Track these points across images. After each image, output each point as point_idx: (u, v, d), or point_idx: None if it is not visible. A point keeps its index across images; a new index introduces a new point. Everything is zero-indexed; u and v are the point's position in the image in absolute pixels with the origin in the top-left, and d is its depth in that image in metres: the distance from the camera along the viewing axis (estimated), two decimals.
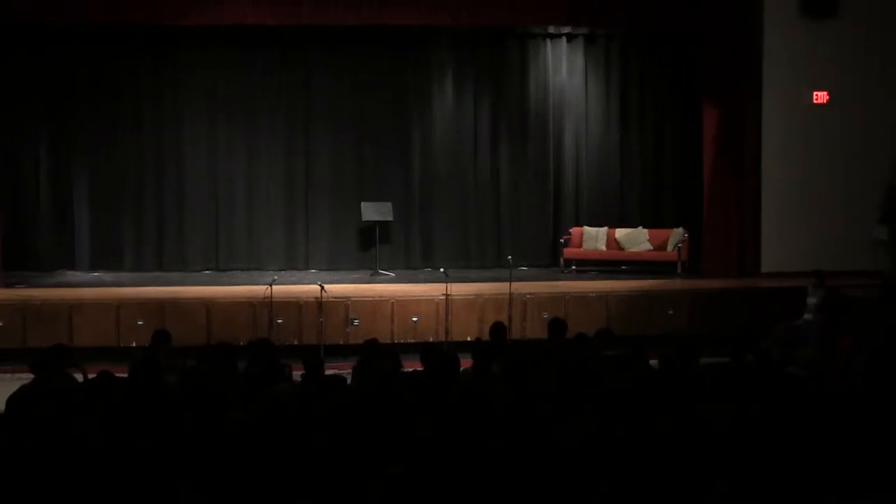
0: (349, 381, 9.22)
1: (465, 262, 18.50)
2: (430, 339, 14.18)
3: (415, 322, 14.49)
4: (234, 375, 9.19)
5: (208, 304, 14.48)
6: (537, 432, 6.46)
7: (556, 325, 10.97)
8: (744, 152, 16.84)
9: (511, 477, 5.90)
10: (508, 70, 18.73)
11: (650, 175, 18.98)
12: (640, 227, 17.98)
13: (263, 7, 16.07)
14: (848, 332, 12.55)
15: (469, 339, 13.74)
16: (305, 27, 17.08)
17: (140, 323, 14.04)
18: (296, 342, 14.15)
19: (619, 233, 17.90)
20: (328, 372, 9.33)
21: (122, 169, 17.99)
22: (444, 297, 14.49)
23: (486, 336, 11.78)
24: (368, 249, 18.04)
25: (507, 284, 14.64)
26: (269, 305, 14.08)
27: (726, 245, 16.95)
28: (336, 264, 18.24)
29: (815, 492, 5.91)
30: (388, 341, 13.81)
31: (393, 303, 14.68)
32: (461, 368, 9.00)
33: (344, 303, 14.57)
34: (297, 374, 9.43)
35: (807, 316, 13.65)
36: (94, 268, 17.84)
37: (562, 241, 17.99)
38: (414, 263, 18.46)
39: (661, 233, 17.78)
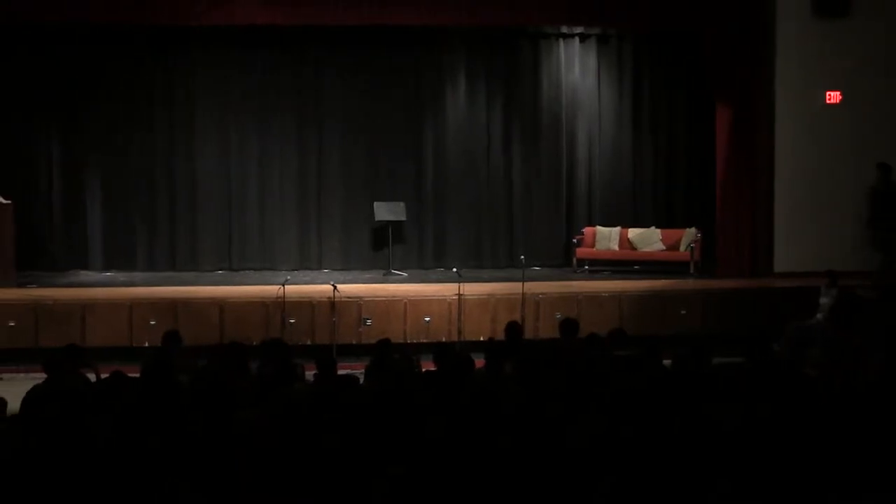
0: (362, 380, 9.22)
1: (478, 262, 18.48)
2: (443, 339, 14.16)
3: (427, 322, 14.47)
4: (246, 375, 9.19)
5: (221, 304, 14.47)
6: (546, 432, 6.44)
7: (568, 326, 10.94)
8: (756, 152, 16.78)
9: (517, 475, 5.89)
10: (521, 70, 18.70)
11: (663, 175, 18.95)
12: (653, 227, 17.94)
13: (274, 7, 16.04)
14: (859, 333, 12.51)
15: (482, 338, 13.72)
16: (317, 27, 17.09)
17: (153, 323, 14.03)
18: (308, 342, 14.14)
19: (632, 233, 17.86)
20: (341, 372, 9.32)
21: (135, 169, 18.02)
22: (456, 297, 14.47)
23: (498, 336, 11.76)
24: (381, 249, 18.03)
25: (519, 284, 14.62)
26: (282, 305, 14.08)
27: (739, 245, 16.89)
28: (349, 264, 18.24)
29: (817, 491, 5.88)
30: (401, 341, 13.77)
31: (406, 303, 14.66)
32: (475, 368, 8.98)
33: (357, 302, 14.55)
34: (309, 374, 9.44)
35: (819, 316, 13.59)
36: (106, 268, 17.87)
37: (574, 240, 17.96)
38: (426, 263, 18.45)
39: (673, 233, 17.73)
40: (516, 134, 18.73)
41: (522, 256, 15.96)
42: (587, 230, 18.10)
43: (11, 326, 14.07)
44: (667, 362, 9.21)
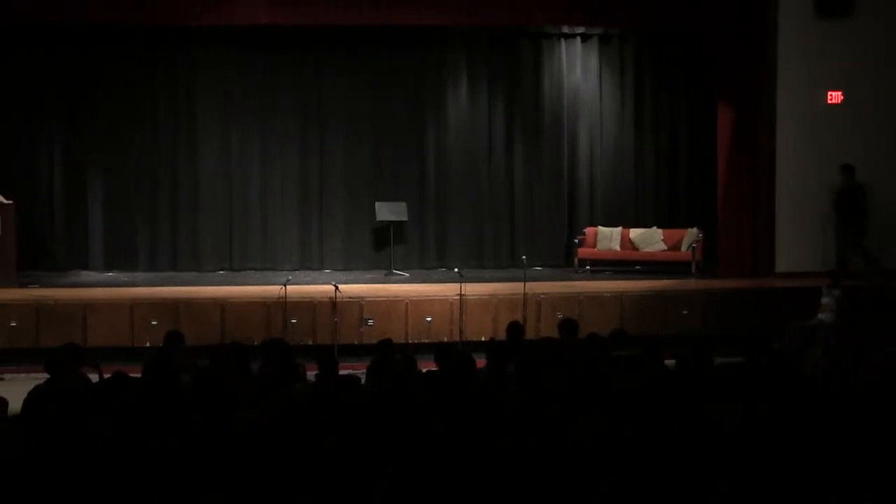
0: (363, 381, 9.22)
1: (480, 262, 18.49)
2: (445, 340, 14.15)
3: (429, 322, 14.47)
4: (247, 375, 9.20)
5: (222, 305, 14.47)
6: (547, 431, 6.45)
7: (568, 326, 10.95)
8: (758, 152, 16.77)
9: (516, 475, 5.90)
10: (522, 70, 18.71)
11: (664, 175, 18.95)
12: (655, 228, 17.94)
13: (275, 7, 16.03)
14: (860, 333, 12.53)
15: (483, 339, 13.73)
16: (319, 27, 17.08)
17: (154, 323, 14.02)
18: (310, 342, 14.14)
19: (634, 233, 17.86)
20: (342, 372, 9.33)
21: (137, 169, 18.03)
22: (458, 297, 14.46)
23: (500, 336, 11.75)
24: (383, 249, 18.04)
25: (521, 284, 14.61)
26: (284, 305, 14.08)
27: (740, 245, 16.88)
28: (350, 264, 18.25)
29: (817, 491, 5.88)
30: (403, 341, 13.77)
31: (407, 303, 14.66)
32: (476, 368, 8.98)
33: (358, 303, 14.55)
34: (311, 375, 9.45)
35: (820, 316, 13.59)
36: (108, 268, 17.87)
37: (576, 241, 17.96)
38: (428, 263, 18.45)
39: (675, 233, 17.73)
40: (518, 134, 18.74)
41: (524, 256, 15.95)
42: (589, 230, 18.10)
43: (13, 326, 14.06)
44: (669, 362, 9.21)
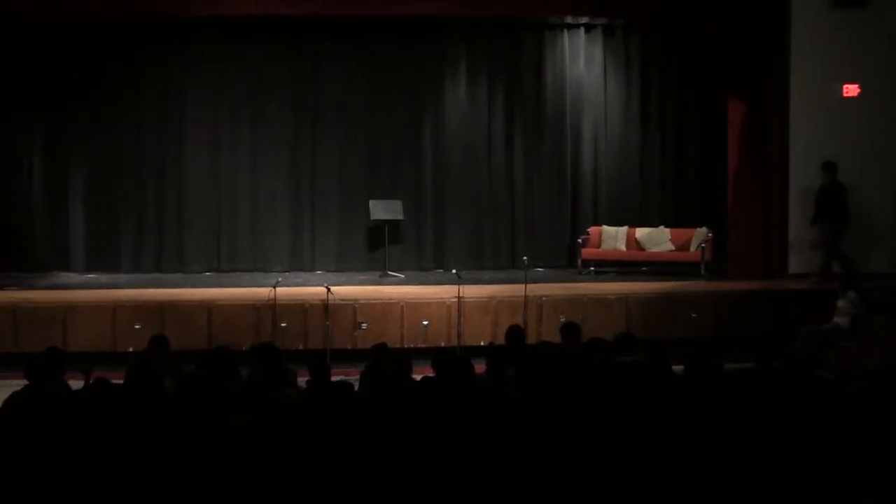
0: (357, 387, 9.21)
1: (479, 263, 18.49)
2: (442, 344, 14.14)
3: (426, 326, 14.46)
4: (236, 381, 9.19)
5: (209, 307, 14.45)
6: (547, 439, 6.46)
7: (570, 330, 10.96)
8: (770, 148, 16.74)
9: (516, 476, 5.92)
10: (523, 63, 18.72)
11: (672, 172, 18.96)
12: (662, 227, 17.94)
13: None
14: (874, 336, 12.54)
15: (482, 343, 13.74)
16: (312, 18, 17.07)
17: (137, 327, 14.00)
18: (301, 347, 14.12)
19: (640, 232, 17.86)
20: (335, 378, 9.32)
21: (120, 166, 18.01)
22: (456, 300, 14.45)
23: (500, 340, 11.74)
24: (377, 250, 18.04)
25: (522, 286, 14.59)
26: (273, 308, 14.08)
27: (752, 245, 16.84)
28: (343, 265, 18.25)
29: (817, 492, 5.90)
30: (398, 346, 13.80)
31: (403, 305, 14.64)
32: (475, 374, 8.97)
33: (351, 305, 14.54)
34: (302, 381, 9.44)
35: (836, 319, 13.58)
36: (89, 269, 17.85)
37: (579, 241, 17.96)
38: (425, 264, 18.45)
39: (683, 232, 17.73)
40: (518, 129, 18.74)
41: (525, 257, 15.88)
42: (593, 230, 18.10)
43: None
44: (677, 368, 9.21)
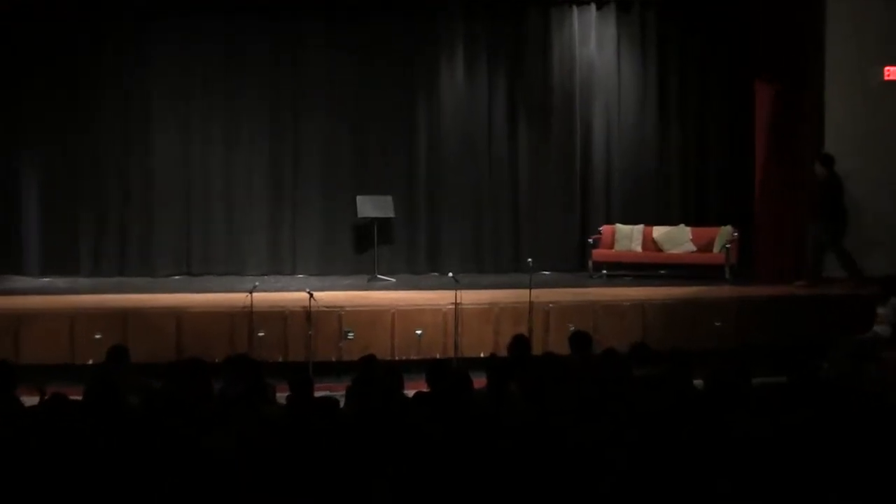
0: (342, 403, 9.21)
1: (478, 266, 18.55)
2: (437, 356, 14.14)
3: (419, 335, 14.46)
4: (207, 397, 9.18)
5: (178, 315, 14.43)
6: (548, 437, 6.52)
7: (579, 340, 10.95)
8: (802, 138, 16.76)
9: (516, 477, 5.96)
10: (528, 43, 18.77)
11: (693, 165, 19.01)
12: (682, 226, 17.97)
13: None
14: None
15: (482, 354, 13.70)
16: None
17: (98, 337, 13.94)
18: (280, 359, 14.11)
19: (658, 231, 17.88)
20: (318, 393, 9.32)
21: (79, 159, 18.03)
22: (453, 307, 14.44)
23: (502, 351, 11.75)
24: (365, 251, 18.07)
25: (526, 292, 14.58)
26: (250, 316, 14.06)
27: (781, 246, 16.89)
28: (327, 268, 18.31)
29: (817, 492, 5.93)
30: (388, 357, 13.81)
31: (394, 313, 14.64)
32: (474, 389, 8.98)
33: (336, 313, 14.54)
34: (281, 396, 9.43)
35: (876, 328, 13.59)
36: (44, 272, 17.88)
37: (590, 241, 18.00)
38: (418, 267, 18.51)
39: (706, 231, 17.75)
40: (522, 117, 18.78)
41: (530, 259, 15.86)
42: (605, 229, 18.14)
43: None
44: (698, 382, 9.21)
